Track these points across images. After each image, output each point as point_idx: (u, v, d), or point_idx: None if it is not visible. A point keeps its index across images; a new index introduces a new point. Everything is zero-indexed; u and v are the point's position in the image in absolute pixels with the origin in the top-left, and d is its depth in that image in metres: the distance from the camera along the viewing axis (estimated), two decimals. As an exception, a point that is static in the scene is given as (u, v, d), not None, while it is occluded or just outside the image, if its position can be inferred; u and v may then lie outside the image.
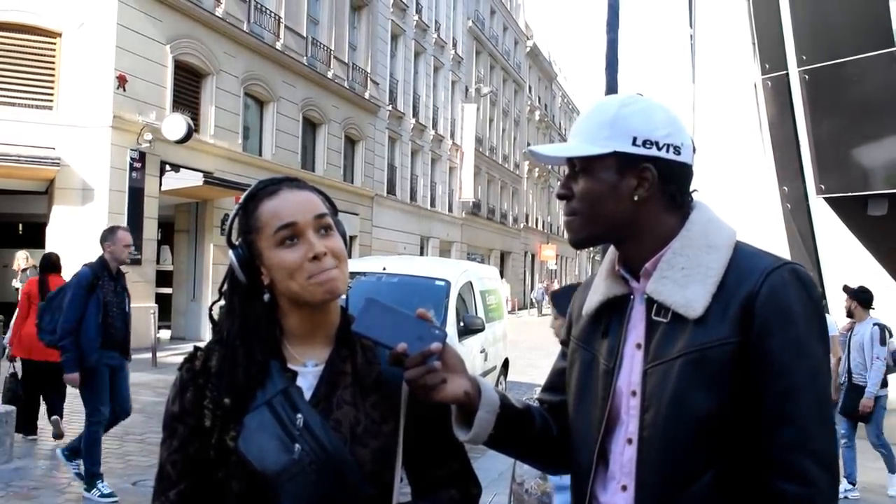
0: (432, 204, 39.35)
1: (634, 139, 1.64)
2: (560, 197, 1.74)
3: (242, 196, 1.74)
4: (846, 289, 8.85)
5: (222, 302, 1.78)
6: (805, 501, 1.49)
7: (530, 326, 32.64)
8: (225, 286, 1.75)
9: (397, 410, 1.70)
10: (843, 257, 11.41)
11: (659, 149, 1.64)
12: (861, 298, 8.51)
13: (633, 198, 1.65)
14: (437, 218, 39.65)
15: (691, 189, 1.72)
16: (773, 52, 11.63)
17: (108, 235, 7.11)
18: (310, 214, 1.67)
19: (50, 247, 16.58)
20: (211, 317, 1.79)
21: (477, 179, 43.95)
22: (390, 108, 33.07)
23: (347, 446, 1.62)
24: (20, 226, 21.81)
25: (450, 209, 41.72)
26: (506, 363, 12.37)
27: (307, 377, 1.69)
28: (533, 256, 57.56)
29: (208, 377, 1.69)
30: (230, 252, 1.72)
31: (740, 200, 11.16)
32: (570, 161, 1.71)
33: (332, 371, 1.70)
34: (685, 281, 1.62)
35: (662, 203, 1.68)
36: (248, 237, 1.69)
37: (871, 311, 8.58)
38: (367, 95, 30.32)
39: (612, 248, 1.79)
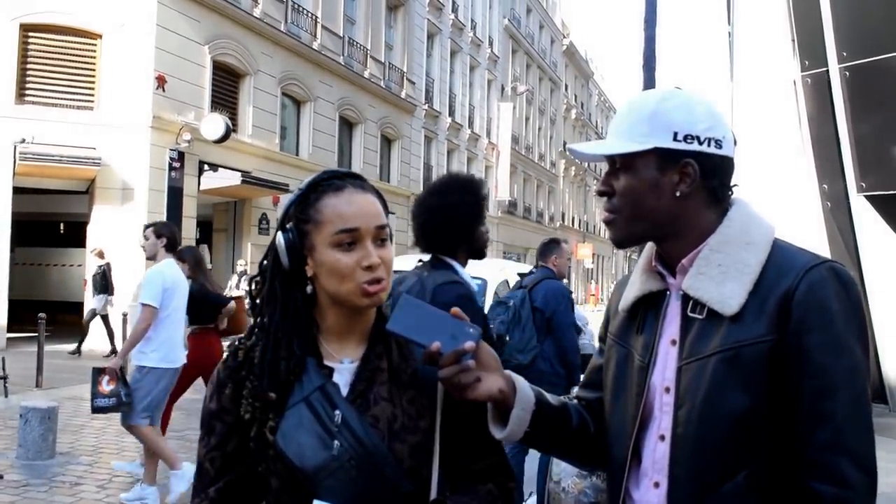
0: (468, 203, 39.22)
1: (675, 134, 1.61)
2: (601, 194, 1.73)
3: (304, 182, 1.72)
4: None
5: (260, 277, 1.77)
6: (840, 502, 1.46)
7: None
8: (265, 263, 1.74)
9: (434, 406, 1.70)
10: (884, 256, 11.24)
11: (700, 143, 1.62)
12: None
13: (674, 194, 1.63)
14: (474, 217, 39.52)
15: (732, 184, 1.70)
16: (812, 49, 11.47)
17: (554, 248, 6.83)
18: (373, 223, 1.66)
19: (91, 245, 16.84)
20: (250, 294, 1.78)
21: (513, 178, 43.85)
22: (426, 107, 33.08)
23: (385, 442, 1.62)
24: (62, 225, 22.15)
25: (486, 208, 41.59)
26: (542, 362, 12.29)
27: (343, 374, 1.69)
28: (569, 255, 57.26)
29: (251, 367, 1.70)
30: (279, 234, 1.70)
31: (779, 199, 11.04)
32: (611, 158, 1.69)
33: (368, 367, 1.70)
34: (722, 277, 1.60)
35: (704, 198, 1.66)
36: (303, 226, 1.67)
37: None
38: (403, 95, 30.37)
39: (649, 244, 1.77)
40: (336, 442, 1.60)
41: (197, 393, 11.41)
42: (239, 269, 18.50)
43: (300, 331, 1.69)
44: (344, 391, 1.67)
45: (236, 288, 17.33)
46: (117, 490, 6.88)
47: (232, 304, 7.35)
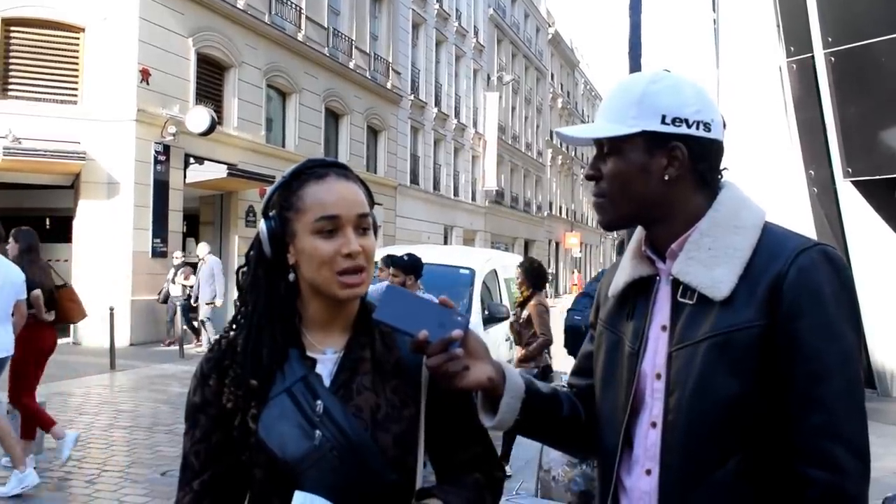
0: (455, 193, 39.32)
1: (663, 117, 1.60)
2: (589, 178, 1.72)
3: (288, 170, 1.71)
4: None
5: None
6: (834, 488, 1.45)
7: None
8: (251, 252, 1.74)
9: (418, 395, 1.70)
10: (870, 241, 11.29)
11: (689, 126, 1.60)
12: None
13: (663, 177, 1.62)
14: (461, 207, 39.62)
15: (722, 167, 1.69)
16: (798, 35, 11.49)
17: None
18: (354, 211, 1.65)
19: (77, 240, 16.78)
20: (238, 283, 1.77)
21: (500, 168, 43.86)
22: (412, 97, 33.05)
23: (369, 432, 1.61)
24: (47, 220, 22.02)
25: (473, 198, 41.66)
26: (531, 351, 12.32)
27: (326, 364, 1.68)
28: (557, 244, 57.39)
29: (234, 355, 1.69)
30: (262, 222, 1.70)
31: (766, 185, 11.06)
32: (599, 141, 1.68)
33: (351, 357, 1.69)
34: (712, 262, 1.58)
35: (693, 182, 1.64)
36: (285, 213, 1.66)
37: None
38: (388, 85, 30.31)
39: (639, 229, 1.75)
40: (318, 432, 1.59)
41: (185, 387, 11.41)
42: (175, 261, 17.27)
43: (283, 319, 1.68)
44: (327, 381, 1.66)
45: (172, 282, 16.85)
46: (105, 485, 6.86)
47: (36, 291, 7.20)
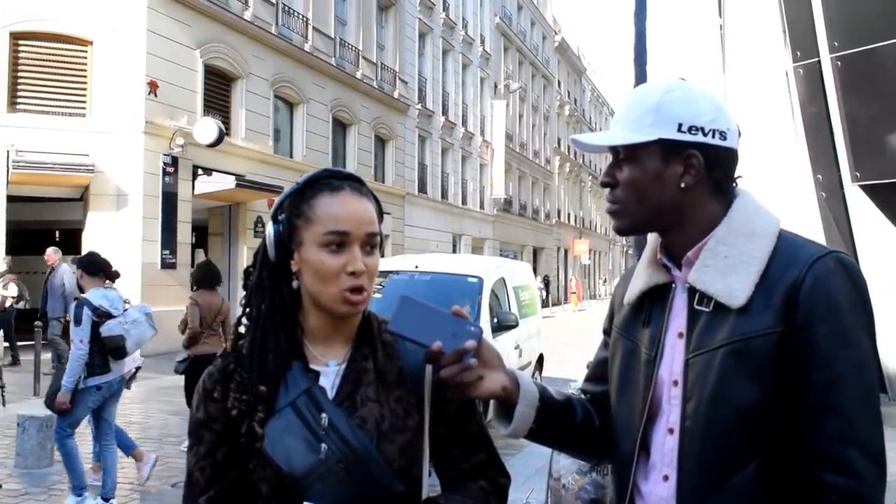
0: (464, 201, 39.34)
1: (680, 125, 1.61)
2: (604, 185, 1.73)
3: (303, 177, 1.70)
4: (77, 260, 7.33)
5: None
6: (850, 493, 1.45)
7: (557, 322, 32.56)
8: (257, 254, 1.74)
9: (421, 404, 1.69)
10: (880, 245, 11.25)
11: (705, 134, 1.62)
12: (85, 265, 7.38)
13: (679, 185, 1.63)
14: (469, 215, 39.63)
15: (736, 175, 1.69)
16: (804, 40, 11.47)
17: None
18: (363, 230, 1.64)
19: (86, 252, 16.78)
20: (245, 283, 1.76)
21: (508, 176, 43.87)
22: (419, 106, 33.11)
23: (374, 443, 1.61)
24: (57, 232, 22.10)
25: (481, 206, 41.67)
26: (540, 358, 12.33)
27: (329, 377, 1.68)
28: (566, 251, 57.34)
29: (239, 360, 1.69)
30: (269, 224, 1.69)
31: (774, 190, 11.03)
32: (615, 149, 1.69)
33: (354, 369, 1.69)
34: (728, 269, 1.59)
35: (708, 190, 1.65)
36: (295, 220, 1.66)
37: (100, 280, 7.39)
38: (396, 94, 30.38)
39: (653, 236, 1.76)
40: (323, 445, 1.59)
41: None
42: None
43: (286, 326, 1.68)
44: (330, 394, 1.66)
45: None
46: (117, 497, 6.86)
47: None
